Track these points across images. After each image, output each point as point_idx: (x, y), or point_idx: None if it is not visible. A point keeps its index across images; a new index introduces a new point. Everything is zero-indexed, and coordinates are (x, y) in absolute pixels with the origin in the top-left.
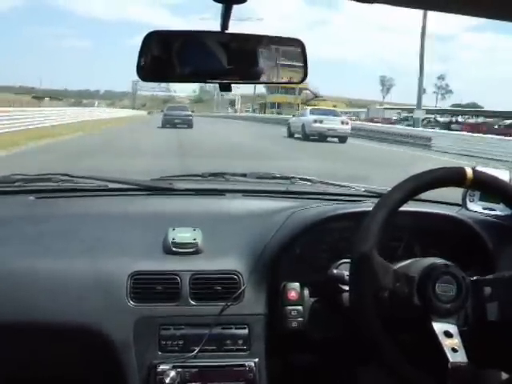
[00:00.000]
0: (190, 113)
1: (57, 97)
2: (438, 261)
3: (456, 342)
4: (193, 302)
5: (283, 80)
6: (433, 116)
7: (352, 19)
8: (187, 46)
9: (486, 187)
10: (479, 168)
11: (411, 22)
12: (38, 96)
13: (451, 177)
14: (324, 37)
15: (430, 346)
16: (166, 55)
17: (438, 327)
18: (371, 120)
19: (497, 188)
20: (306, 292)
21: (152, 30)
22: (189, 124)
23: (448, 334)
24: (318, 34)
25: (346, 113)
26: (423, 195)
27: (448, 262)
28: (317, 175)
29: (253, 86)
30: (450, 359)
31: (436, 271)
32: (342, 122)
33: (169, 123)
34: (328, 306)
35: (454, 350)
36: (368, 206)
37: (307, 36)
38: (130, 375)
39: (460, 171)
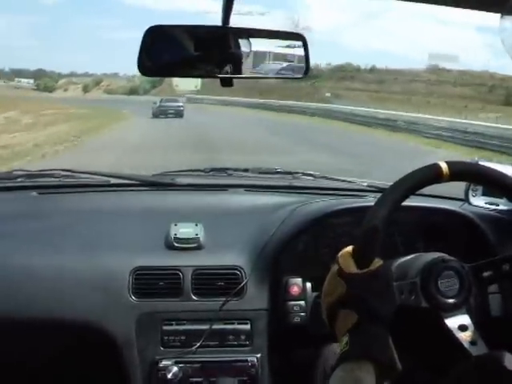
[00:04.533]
0: (181, 104)
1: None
2: (436, 256)
3: (472, 334)
4: (195, 298)
5: (285, 75)
6: None
7: (403, 13)
8: (188, 41)
9: (466, 176)
10: (484, 161)
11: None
12: None
13: (426, 176)
14: (375, 29)
15: (446, 344)
16: (166, 50)
17: (451, 322)
18: None
19: (476, 174)
20: (309, 287)
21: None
22: (180, 114)
23: (463, 328)
24: (370, 26)
25: None
26: (425, 190)
27: (445, 256)
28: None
29: None
30: (472, 353)
31: (435, 268)
32: None
33: (162, 114)
34: None
35: (473, 343)
36: (371, 201)
37: (360, 28)
38: (133, 371)
39: (434, 168)
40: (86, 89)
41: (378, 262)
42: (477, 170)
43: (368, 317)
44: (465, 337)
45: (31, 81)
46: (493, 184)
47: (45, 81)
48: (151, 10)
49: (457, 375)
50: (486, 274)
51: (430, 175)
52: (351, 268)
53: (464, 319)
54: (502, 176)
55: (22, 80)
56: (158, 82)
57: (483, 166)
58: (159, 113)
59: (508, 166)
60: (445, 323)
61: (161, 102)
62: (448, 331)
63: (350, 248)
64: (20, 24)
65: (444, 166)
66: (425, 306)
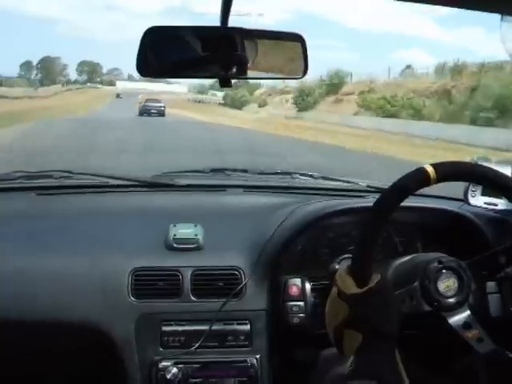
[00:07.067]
0: (162, 104)
1: None
2: (432, 258)
3: (477, 332)
4: (194, 298)
5: (284, 75)
6: None
7: None
8: (187, 42)
9: (452, 176)
10: (482, 161)
11: None
12: None
13: (415, 182)
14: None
15: (452, 344)
16: (165, 50)
17: (455, 322)
18: None
19: (462, 173)
20: (308, 287)
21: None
22: (161, 113)
23: (467, 326)
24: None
25: None
26: (425, 190)
27: (442, 257)
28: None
29: None
30: (479, 350)
31: (433, 270)
32: None
33: (146, 112)
34: None
35: (480, 341)
36: (370, 201)
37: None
38: (132, 372)
39: (421, 172)
40: (299, 101)
41: (376, 278)
42: (462, 169)
43: (373, 336)
44: (471, 335)
45: (220, 93)
46: (479, 179)
47: (235, 93)
48: None
49: (462, 370)
50: (483, 268)
51: (418, 180)
52: (351, 288)
53: (467, 317)
54: (485, 170)
55: (218, 93)
56: None
57: (466, 163)
58: (144, 111)
59: (505, 165)
60: (449, 323)
61: (146, 102)
62: (453, 331)
63: (345, 267)
64: None
65: (430, 170)
66: (427, 310)
